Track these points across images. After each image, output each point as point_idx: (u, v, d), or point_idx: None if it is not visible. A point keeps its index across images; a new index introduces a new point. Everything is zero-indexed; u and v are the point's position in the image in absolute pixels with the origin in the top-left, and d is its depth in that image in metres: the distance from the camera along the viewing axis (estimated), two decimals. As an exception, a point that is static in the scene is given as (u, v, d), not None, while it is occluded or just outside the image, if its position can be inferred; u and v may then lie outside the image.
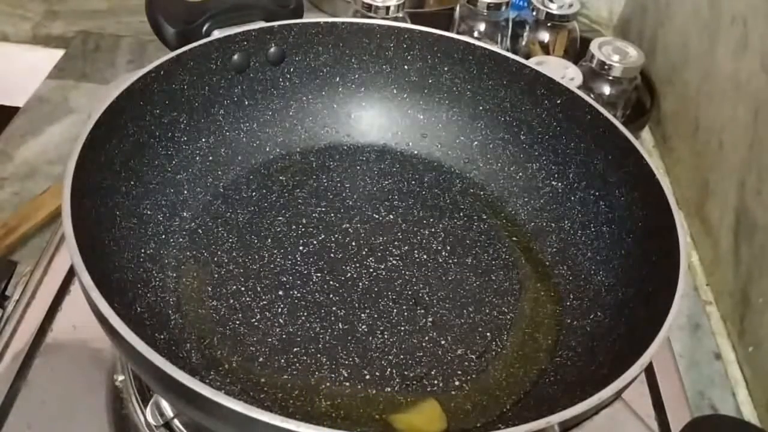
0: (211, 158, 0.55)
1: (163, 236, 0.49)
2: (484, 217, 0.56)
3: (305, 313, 0.47)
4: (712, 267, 0.65)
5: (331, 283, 0.49)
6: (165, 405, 0.45)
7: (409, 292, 0.49)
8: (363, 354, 0.45)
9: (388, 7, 0.68)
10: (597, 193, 0.52)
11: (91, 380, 0.48)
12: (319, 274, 0.49)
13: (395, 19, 0.68)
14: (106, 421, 0.47)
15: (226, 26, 0.54)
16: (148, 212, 0.49)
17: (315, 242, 0.52)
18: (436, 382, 0.44)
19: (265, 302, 0.47)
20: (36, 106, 0.77)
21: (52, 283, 0.54)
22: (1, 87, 0.92)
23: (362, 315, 0.47)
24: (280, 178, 0.56)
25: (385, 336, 0.46)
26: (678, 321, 0.61)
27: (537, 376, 0.45)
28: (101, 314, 0.34)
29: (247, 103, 0.56)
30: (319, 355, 0.45)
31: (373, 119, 0.60)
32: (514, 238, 0.54)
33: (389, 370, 0.44)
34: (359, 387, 0.43)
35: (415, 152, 0.60)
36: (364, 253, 0.51)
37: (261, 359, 0.44)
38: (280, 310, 0.47)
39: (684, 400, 0.53)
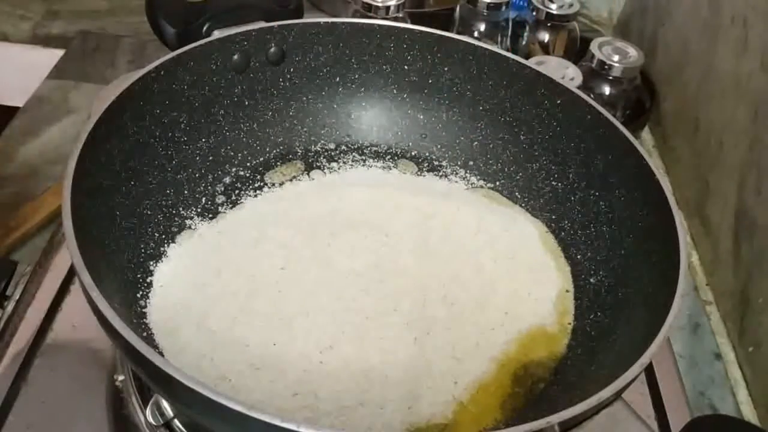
0: (211, 158, 0.55)
1: (164, 236, 0.49)
2: (484, 217, 0.56)
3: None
4: (712, 267, 0.65)
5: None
6: (165, 405, 0.45)
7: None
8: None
9: (388, 7, 0.68)
10: (597, 193, 0.52)
11: (91, 380, 0.49)
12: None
13: (395, 19, 0.68)
14: (106, 421, 0.47)
15: (226, 26, 0.54)
16: (148, 212, 0.49)
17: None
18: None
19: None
20: (36, 106, 0.77)
21: (52, 283, 0.54)
22: (1, 87, 0.92)
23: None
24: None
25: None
26: (678, 321, 0.61)
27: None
28: (101, 314, 0.34)
29: (247, 103, 0.56)
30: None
31: (373, 119, 0.60)
32: (514, 238, 0.54)
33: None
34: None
35: (415, 152, 0.60)
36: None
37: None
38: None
39: (684, 400, 0.53)
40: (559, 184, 0.54)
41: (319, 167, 0.58)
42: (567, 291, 0.50)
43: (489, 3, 0.75)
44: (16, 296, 0.53)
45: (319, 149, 0.59)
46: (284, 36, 0.55)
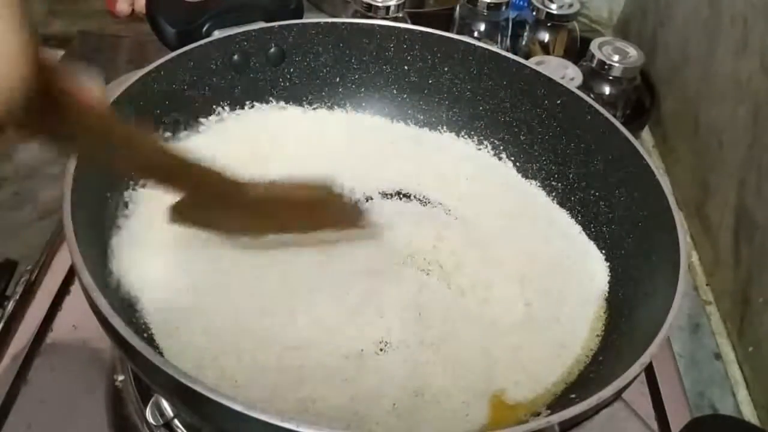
0: (211, 158, 0.54)
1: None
2: (484, 217, 0.55)
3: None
4: (712, 267, 0.65)
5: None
6: (165, 405, 0.45)
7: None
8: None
9: (388, 7, 0.68)
10: (597, 193, 0.52)
11: (91, 380, 0.49)
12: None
13: (395, 19, 0.68)
14: (106, 421, 0.47)
15: (226, 26, 0.54)
16: (148, 212, 0.49)
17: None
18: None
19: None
20: (36, 106, 0.77)
21: (52, 283, 0.54)
22: (1, 87, 0.91)
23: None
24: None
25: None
26: (678, 321, 0.61)
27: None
28: (101, 314, 0.34)
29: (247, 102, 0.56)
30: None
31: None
32: (514, 238, 0.54)
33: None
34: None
35: (415, 152, 0.60)
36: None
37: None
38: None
39: (684, 400, 0.53)
40: (559, 184, 0.54)
41: (319, 167, 0.58)
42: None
43: (489, 3, 0.75)
44: (16, 296, 0.53)
45: (319, 149, 0.59)
46: (284, 36, 0.55)
